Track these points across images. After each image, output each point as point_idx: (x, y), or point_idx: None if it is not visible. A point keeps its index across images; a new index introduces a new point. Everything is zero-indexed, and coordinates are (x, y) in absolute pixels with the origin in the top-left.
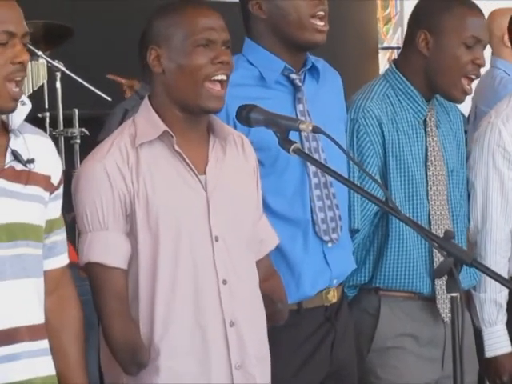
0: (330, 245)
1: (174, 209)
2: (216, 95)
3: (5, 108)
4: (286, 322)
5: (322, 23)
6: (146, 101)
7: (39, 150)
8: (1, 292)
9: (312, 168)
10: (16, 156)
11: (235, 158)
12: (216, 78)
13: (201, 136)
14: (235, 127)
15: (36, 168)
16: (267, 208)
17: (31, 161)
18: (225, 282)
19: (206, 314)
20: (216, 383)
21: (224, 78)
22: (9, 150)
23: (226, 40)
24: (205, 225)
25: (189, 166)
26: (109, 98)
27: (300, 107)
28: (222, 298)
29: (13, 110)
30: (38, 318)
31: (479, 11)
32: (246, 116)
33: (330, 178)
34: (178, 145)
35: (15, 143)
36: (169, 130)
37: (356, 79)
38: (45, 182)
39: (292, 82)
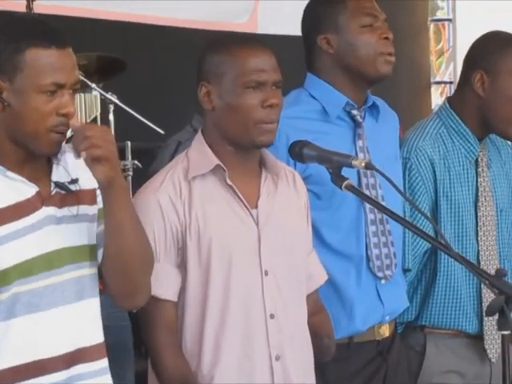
0: (383, 281)
1: (225, 242)
2: (267, 130)
3: (47, 152)
4: (336, 356)
5: (390, 57)
6: (199, 134)
7: (80, 167)
8: (53, 318)
9: (368, 204)
10: (59, 186)
11: (286, 192)
12: (268, 125)
13: (253, 170)
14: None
15: (81, 185)
16: (322, 241)
17: (75, 181)
18: (272, 316)
19: (254, 348)
20: None
21: (274, 123)
22: (52, 181)
23: (276, 81)
24: (255, 259)
25: (240, 200)
26: (162, 131)
27: (360, 143)
28: (269, 332)
29: (55, 154)
30: (97, 337)
31: None
32: (298, 152)
33: (385, 216)
34: (230, 178)
35: (57, 172)
36: (221, 164)
37: (408, 113)
38: (90, 196)
39: (353, 117)
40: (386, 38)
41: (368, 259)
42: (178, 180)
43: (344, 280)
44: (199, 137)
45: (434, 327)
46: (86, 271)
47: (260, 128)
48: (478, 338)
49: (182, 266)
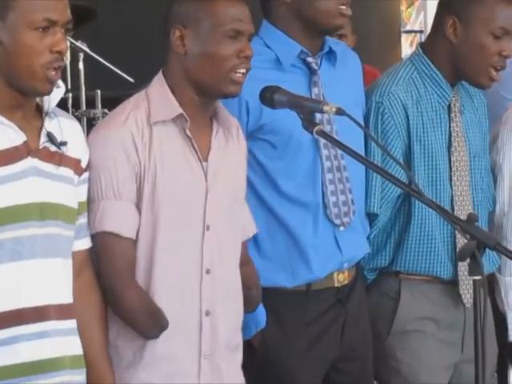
0: (341, 228)
1: (176, 193)
2: (237, 81)
3: (41, 91)
4: (293, 303)
5: (345, 7)
6: (160, 76)
7: (71, 133)
8: (31, 270)
9: (325, 152)
10: (51, 138)
11: (233, 146)
12: (240, 71)
13: (207, 121)
14: (247, 108)
15: (68, 151)
16: (278, 191)
17: (64, 143)
18: (208, 271)
19: (185, 302)
20: (183, 370)
21: (245, 71)
22: (44, 132)
23: (251, 33)
24: (200, 213)
25: (196, 152)
26: (131, 80)
27: (315, 90)
28: (202, 287)
29: (49, 92)
30: (66, 297)
31: (510, 1)
32: (269, 97)
33: (343, 162)
34: (189, 128)
35: (50, 125)
36: (184, 114)
37: (378, 62)
38: (75, 165)
39: (308, 65)
40: None
41: (325, 207)
42: (141, 121)
43: (301, 228)
44: (160, 78)
45: (409, 273)
46: (65, 231)
47: (231, 77)
48: (452, 284)
49: (137, 205)
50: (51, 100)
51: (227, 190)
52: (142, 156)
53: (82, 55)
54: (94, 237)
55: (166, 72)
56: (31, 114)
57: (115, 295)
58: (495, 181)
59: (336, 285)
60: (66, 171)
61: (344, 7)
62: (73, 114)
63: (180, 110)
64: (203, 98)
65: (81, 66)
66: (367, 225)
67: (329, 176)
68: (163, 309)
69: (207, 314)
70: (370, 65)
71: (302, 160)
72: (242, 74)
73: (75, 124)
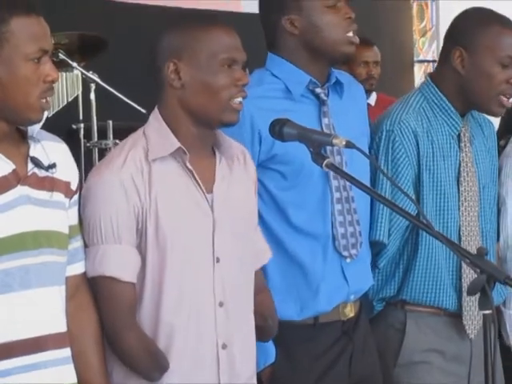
0: (348, 260)
1: (182, 228)
2: (236, 109)
3: (35, 120)
4: (302, 337)
5: (353, 35)
6: (155, 112)
7: (58, 155)
8: (27, 300)
9: (334, 182)
10: (37, 163)
11: (240, 174)
12: (238, 100)
13: (209, 152)
14: (260, 137)
15: (57, 174)
16: (288, 221)
17: (52, 166)
18: (221, 304)
19: (203, 335)
20: None
21: (242, 100)
22: (29, 158)
23: (245, 60)
24: (209, 245)
25: (198, 185)
26: (143, 110)
27: (325, 121)
28: (217, 320)
29: (40, 120)
30: (63, 325)
31: None
32: (279, 130)
33: (352, 193)
34: (189, 161)
35: (35, 150)
36: (183, 148)
37: (391, 92)
38: (65, 187)
39: (317, 95)
40: (350, 18)
41: (334, 238)
42: (139, 160)
43: (309, 259)
44: (156, 115)
45: (415, 303)
46: (58, 258)
47: (230, 105)
48: (457, 316)
49: (140, 247)
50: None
51: (236, 220)
52: (143, 195)
53: (93, 86)
54: (93, 279)
55: (161, 108)
56: (16, 141)
57: (115, 338)
58: (499, 213)
59: (342, 318)
60: (57, 196)
61: (352, 35)
62: (84, 144)
63: (178, 144)
64: (202, 129)
65: (92, 96)
66: (370, 256)
67: (338, 207)
68: (179, 346)
69: (224, 347)
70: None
71: (313, 190)
72: (240, 102)
73: (61, 146)
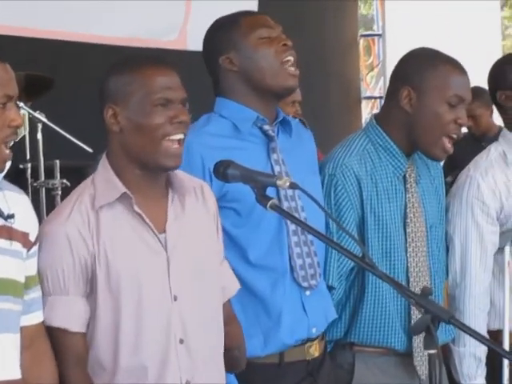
0: (308, 293)
1: (134, 270)
2: (174, 153)
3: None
4: (266, 376)
5: (292, 68)
6: (104, 159)
7: (18, 206)
8: None
9: (293, 223)
10: None
11: (195, 209)
12: (174, 137)
13: (160, 192)
14: (210, 177)
15: (15, 224)
16: (245, 258)
17: (11, 216)
18: (182, 341)
19: (167, 374)
20: None
21: (182, 137)
22: None
23: (183, 98)
24: (165, 284)
25: (149, 226)
26: (90, 150)
27: (274, 156)
28: (179, 357)
29: (2, 170)
30: (15, 373)
31: (463, 70)
32: (223, 172)
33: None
34: (138, 204)
35: None
36: (127, 192)
37: (339, 128)
38: (23, 238)
39: (265, 132)
40: (285, 45)
41: (292, 269)
42: (85, 210)
43: (269, 292)
44: (104, 161)
45: (363, 345)
46: (13, 306)
47: (166, 148)
48: (407, 356)
49: (91, 295)
50: None
51: (193, 257)
52: (91, 245)
53: (40, 125)
54: (47, 328)
55: (108, 153)
56: None
57: None
58: (447, 251)
59: (307, 358)
60: (15, 245)
61: (292, 68)
62: (31, 184)
63: (123, 190)
64: (147, 172)
65: (39, 136)
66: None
67: (294, 239)
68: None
69: None
70: (328, 136)
71: (268, 225)
72: (179, 141)
73: (22, 197)
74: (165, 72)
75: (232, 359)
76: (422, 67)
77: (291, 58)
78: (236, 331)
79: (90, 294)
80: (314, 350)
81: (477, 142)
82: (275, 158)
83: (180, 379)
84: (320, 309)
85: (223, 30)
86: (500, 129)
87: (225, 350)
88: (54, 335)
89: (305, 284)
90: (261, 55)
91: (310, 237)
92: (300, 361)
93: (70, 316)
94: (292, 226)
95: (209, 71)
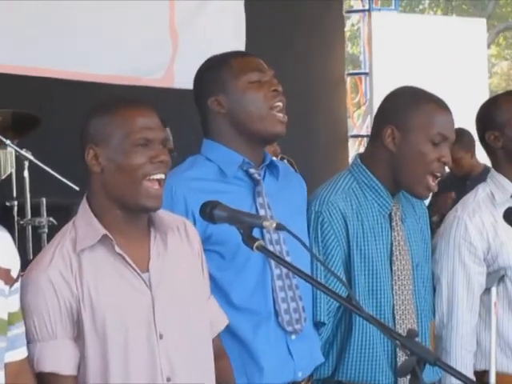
0: (293, 336)
1: (119, 311)
2: (154, 194)
3: None
4: None
5: (281, 114)
6: (84, 202)
7: None
8: None
9: (281, 265)
10: None
11: (178, 247)
12: (154, 177)
13: (141, 232)
14: (194, 218)
15: None
16: (228, 301)
17: None
18: (169, 379)
19: None
20: None
21: (162, 176)
22: None
23: (163, 139)
24: (150, 323)
25: (131, 267)
26: (76, 188)
27: (260, 200)
28: None
29: None
30: None
31: (447, 108)
32: (209, 212)
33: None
34: (119, 245)
35: None
36: (108, 234)
37: (326, 167)
38: (5, 275)
39: (251, 176)
40: (275, 91)
41: (276, 314)
42: (67, 253)
43: (253, 337)
44: (84, 204)
45: (351, 383)
46: None
47: (147, 188)
48: None
49: (79, 337)
50: None
51: (178, 294)
52: (75, 288)
53: (26, 163)
54: (37, 375)
55: (89, 195)
56: None
57: None
58: (434, 291)
59: None
60: None
61: (280, 114)
62: (18, 222)
63: (103, 232)
64: (129, 213)
65: (26, 174)
66: (316, 333)
67: (279, 283)
68: None
69: None
70: (315, 175)
71: (252, 268)
72: (160, 182)
73: (2, 234)
74: (144, 113)
75: None
76: (406, 106)
77: (280, 104)
78: (226, 366)
79: (78, 337)
80: None
81: (461, 180)
82: (260, 202)
83: None
84: (306, 352)
85: (213, 71)
86: (485, 167)
87: None
88: (45, 380)
89: (289, 328)
90: (249, 99)
91: (294, 281)
92: None
93: (60, 360)
94: (277, 271)
95: (198, 111)
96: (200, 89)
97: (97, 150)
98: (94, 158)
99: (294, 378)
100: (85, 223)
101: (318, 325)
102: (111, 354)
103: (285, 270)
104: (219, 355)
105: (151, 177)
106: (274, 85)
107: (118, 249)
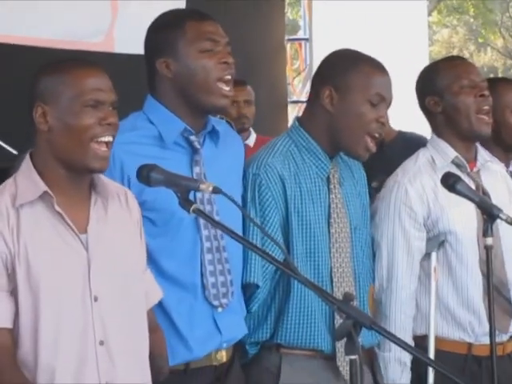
0: (219, 310)
1: (54, 270)
2: (101, 156)
3: None
4: (172, 383)
5: (227, 88)
6: (27, 158)
7: None
8: None
9: (205, 232)
10: None
11: (118, 213)
12: (103, 139)
13: (82, 194)
14: (129, 184)
15: None
16: (158, 269)
17: None
18: (102, 342)
19: (86, 375)
20: None
21: (110, 139)
22: None
23: (113, 101)
24: (85, 285)
25: (69, 226)
26: (14, 151)
27: (197, 169)
28: (98, 359)
29: None
30: None
31: (384, 70)
32: (146, 175)
33: (223, 243)
34: (59, 204)
35: None
36: (49, 191)
37: (265, 132)
38: None
39: (191, 143)
40: (225, 63)
41: (204, 288)
42: (5, 207)
43: (179, 308)
44: (27, 161)
45: (290, 346)
46: None
47: (94, 150)
48: (332, 359)
49: (13, 293)
50: None
51: (115, 260)
52: (11, 242)
53: None
54: None
55: (34, 152)
56: None
57: None
58: (374, 255)
59: (214, 363)
60: None
61: (226, 88)
62: None
63: (44, 188)
64: (73, 173)
65: None
66: (244, 305)
67: (208, 257)
68: None
69: None
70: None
71: (183, 239)
72: (107, 144)
73: None
74: (96, 74)
75: (154, 367)
76: (344, 67)
77: (229, 77)
78: (158, 340)
79: (12, 291)
80: (222, 356)
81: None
82: (197, 172)
83: (99, 381)
84: (232, 325)
85: (166, 32)
86: (398, 132)
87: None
88: None
89: (216, 302)
90: (198, 68)
91: (225, 254)
92: (207, 366)
93: None
94: (207, 244)
95: (146, 66)
96: (150, 47)
97: (45, 108)
98: (41, 116)
99: (219, 348)
100: (26, 179)
101: (247, 288)
102: (43, 312)
103: (215, 244)
104: (153, 328)
105: (99, 139)
106: (226, 56)
107: (57, 207)
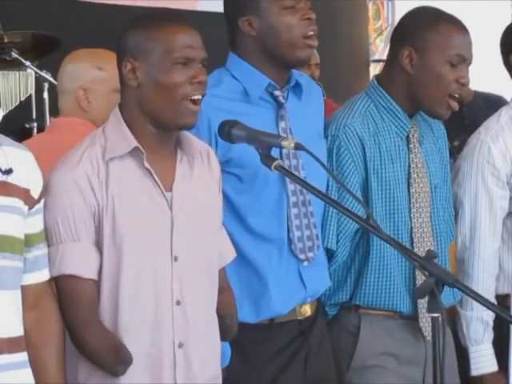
0: (305, 263)
1: (139, 226)
2: (191, 111)
3: None
4: (257, 337)
5: (311, 42)
6: (116, 110)
7: (18, 162)
8: None
9: (291, 186)
10: None
11: (201, 173)
12: (193, 97)
13: (169, 151)
14: (216, 140)
15: (14, 180)
16: (244, 224)
17: (9, 171)
18: (178, 302)
19: (162, 334)
20: None
21: (200, 97)
22: None
23: (203, 58)
24: (167, 244)
25: (157, 184)
26: None
27: (282, 124)
28: (174, 318)
29: None
30: (16, 330)
31: (465, 29)
32: (228, 132)
33: (308, 197)
34: (148, 160)
35: None
36: (139, 147)
37: (347, 92)
38: (24, 194)
39: (275, 98)
40: (308, 19)
41: (290, 241)
42: (96, 159)
43: (265, 262)
44: (117, 113)
45: (368, 307)
46: (11, 263)
47: (185, 107)
48: (412, 319)
49: (98, 245)
50: None
51: (196, 219)
52: (99, 194)
53: (46, 85)
54: (55, 280)
55: (122, 106)
56: None
57: (77, 334)
58: (456, 214)
59: (298, 317)
60: (13, 201)
61: (311, 42)
62: None
63: (135, 144)
64: (161, 130)
65: (45, 95)
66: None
67: (294, 211)
68: (134, 344)
69: (180, 346)
70: (336, 100)
71: (269, 194)
72: (196, 101)
73: (23, 152)
74: (187, 31)
75: (224, 327)
76: (423, 26)
77: (312, 33)
78: (229, 299)
79: (97, 243)
80: (306, 310)
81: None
82: (283, 127)
83: (173, 341)
84: (317, 279)
85: None
86: (475, 93)
87: (218, 317)
88: (65, 284)
89: (302, 256)
90: (282, 25)
91: (310, 208)
92: (291, 321)
93: (82, 262)
94: (293, 198)
95: (227, 25)
96: (232, 6)
97: (135, 64)
98: (131, 72)
99: (303, 302)
100: (116, 133)
101: (328, 250)
102: (124, 268)
103: (301, 198)
104: (223, 288)
105: (190, 97)
106: (308, 13)
107: (146, 163)
